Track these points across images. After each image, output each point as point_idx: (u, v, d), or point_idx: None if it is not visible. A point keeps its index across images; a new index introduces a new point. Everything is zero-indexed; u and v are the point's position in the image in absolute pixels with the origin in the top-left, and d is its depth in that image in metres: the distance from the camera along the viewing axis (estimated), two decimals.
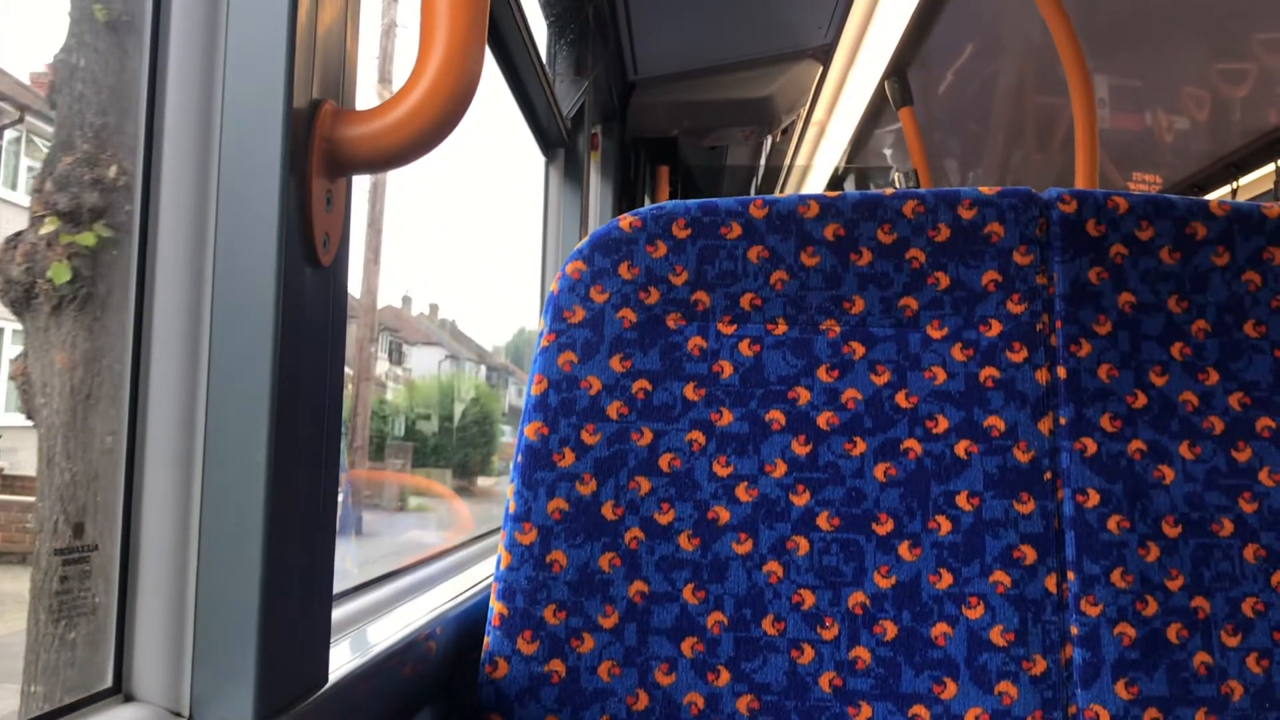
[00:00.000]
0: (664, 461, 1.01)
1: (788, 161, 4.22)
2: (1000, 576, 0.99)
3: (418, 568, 1.32)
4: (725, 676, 0.98)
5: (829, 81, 3.22)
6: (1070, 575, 0.99)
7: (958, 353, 1.03)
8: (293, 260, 0.68)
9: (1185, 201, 1.06)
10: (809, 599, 0.99)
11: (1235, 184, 2.79)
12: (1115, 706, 0.96)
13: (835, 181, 4.25)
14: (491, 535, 1.73)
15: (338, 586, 0.83)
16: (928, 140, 3.36)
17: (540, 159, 2.50)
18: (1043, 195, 1.06)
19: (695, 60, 2.92)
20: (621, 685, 0.98)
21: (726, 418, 1.02)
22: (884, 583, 0.99)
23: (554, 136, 2.40)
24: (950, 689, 0.97)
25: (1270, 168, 2.65)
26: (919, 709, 0.96)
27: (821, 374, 1.03)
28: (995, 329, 1.04)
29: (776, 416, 1.02)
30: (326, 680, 0.75)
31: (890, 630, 0.98)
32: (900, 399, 1.03)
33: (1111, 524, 1.00)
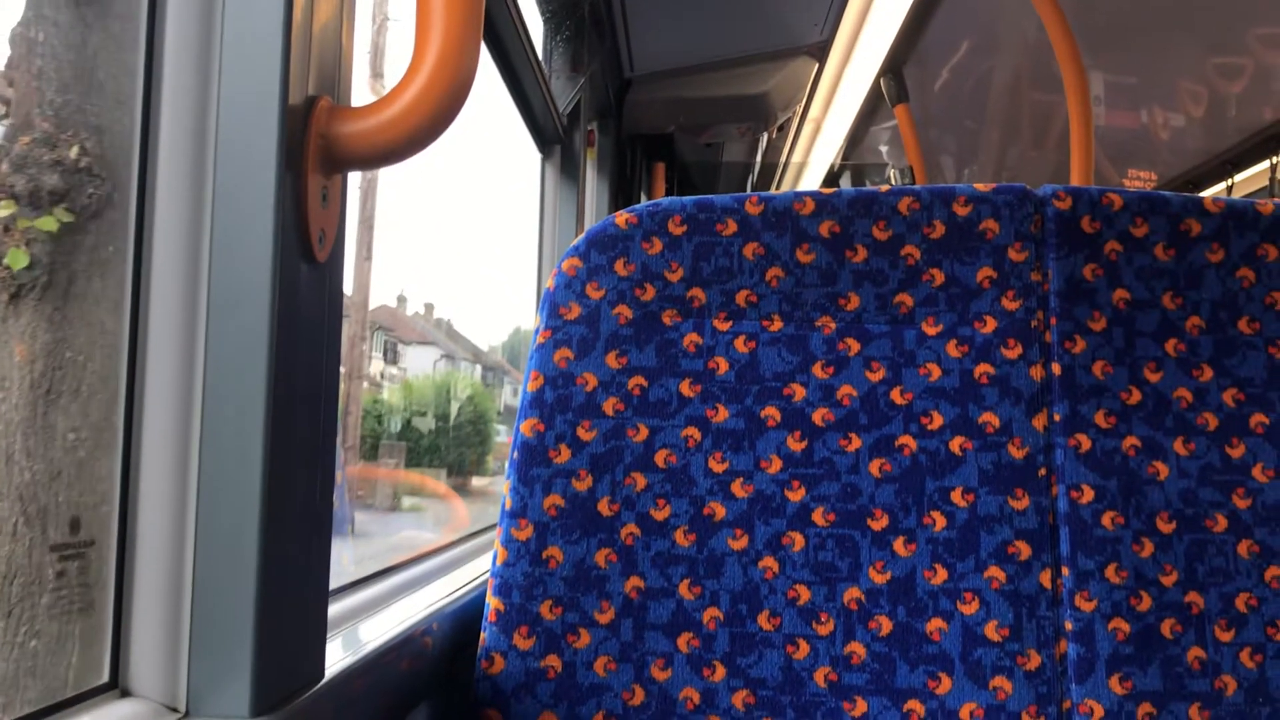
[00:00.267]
0: (660, 458, 1.02)
1: (784, 158, 4.23)
2: (995, 572, 0.99)
3: (414, 564, 1.32)
4: (721, 672, 0.98)
5: (825, 78, 3.22)
6: (1065, 571, 0.99)
7: (953, 349, 1.04)
8: (288, 256, 0.68)
9: (1180, 198, 1.06)
10: (804, 594, 0.99)
11: (1230, 181, 2.79)
12: (1109, 701, 0.96)
13: (831, 178, 4.25)
14: (488, 531, 1.73)
15: (333, 583, 0.83)
16: (923, 137, 3.37)
17: (536, 156, 2.50)
18: (1038, 192, 1.06)
19: (691, 57, 2.92)
20: (618, 680, 0.98)
21: (722, 414, 1.03)
22: (879, 578, 0.99)
23: (550, 133, 2.40)
24: (945, 684, 0.97)
25: (1265, 164, 2.66)
26: (914, 704, 0.97)
27: (817, 370, 1.03)
28: (990, 325, 1.04)
29: (772, 413, 1.03)
30: (323, 675, 0.75)
31: (885, 625, 0.98)
32: (895, 395, 1.03)
33: (1106, 520, 1.00)
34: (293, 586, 0.71)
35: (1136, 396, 1.03)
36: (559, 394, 1.02)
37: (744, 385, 1.03)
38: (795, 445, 1.02)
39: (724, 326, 1.04)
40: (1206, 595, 0.99)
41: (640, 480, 1.01)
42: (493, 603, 1.00)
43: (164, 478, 0.67)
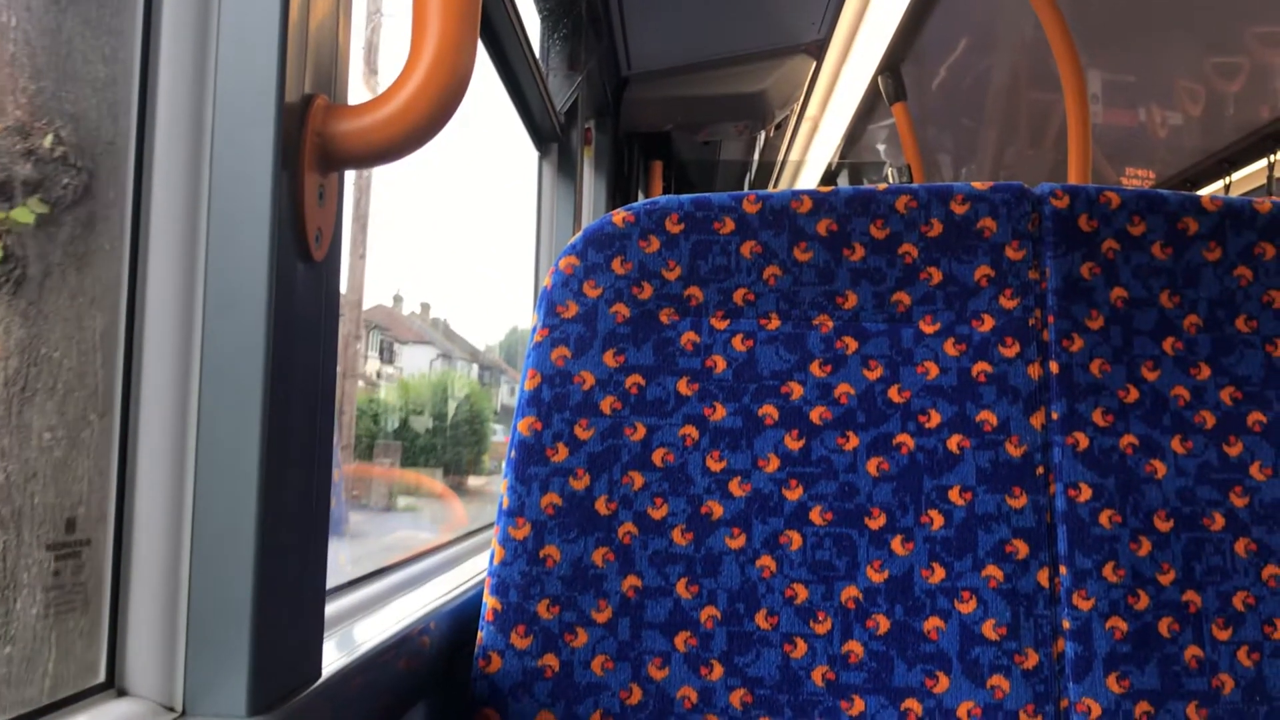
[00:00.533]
0: (657, 456, 1.01)
1: (781, 157, 4.23)
2: (992, 571, 0.99)
3: (411, 563, 1.32)
4: (718, 671, 0.98)
5: (822, 77, 3.22)
6: (1062, 569, 0.99)
7: (950, 348, 1.04)
8: (285, 255, 0.68)
9: (1178, 197, 1.06)
10: (802, 593, 0.99)
11: (1228, 179, 2.80)
12: (1107, 700, 0.96)
13: (829, 176, 4.25)
14: (485, 530, 1.73)
15: (330, 583, 0.83)
16: (921, 135, 3.37)
17: (533, 154, 2.50)
18: (1035, 190, 1.06)
19: (689, 55, 2.92)
20: (615, 679, 0.98)
21: (720, 412, 1.02)
22: (876, 577, 0.99)
23: (547, 132, 2.40)
24: (943, 683, 0.97)
25: (1263, 163, 2.66)
26: (911, 703, 0.97)
27: (814, 369, 1.03)
28: (988, 324, 1.04)
29: (769, 411, 1.03)
30: (320, 674, 0.75)
31: (883, 624, 0.98)
32: (893, 394, 1.03)
33: (1103, 518, 1.00)
34: (290, 586, 0.71)
35: (1134, 395, 1.03)
36: (556, 393, 1.02)
37: (741, 384, 1.03)
38: (793, 444, 1.02)
39: (721, 325, 1.04)
40: (1204, 594, 0.99)
41: (638, 479, 1.01)
42: (490, 602, 0.99)
43: (160, 477, 0.67)
